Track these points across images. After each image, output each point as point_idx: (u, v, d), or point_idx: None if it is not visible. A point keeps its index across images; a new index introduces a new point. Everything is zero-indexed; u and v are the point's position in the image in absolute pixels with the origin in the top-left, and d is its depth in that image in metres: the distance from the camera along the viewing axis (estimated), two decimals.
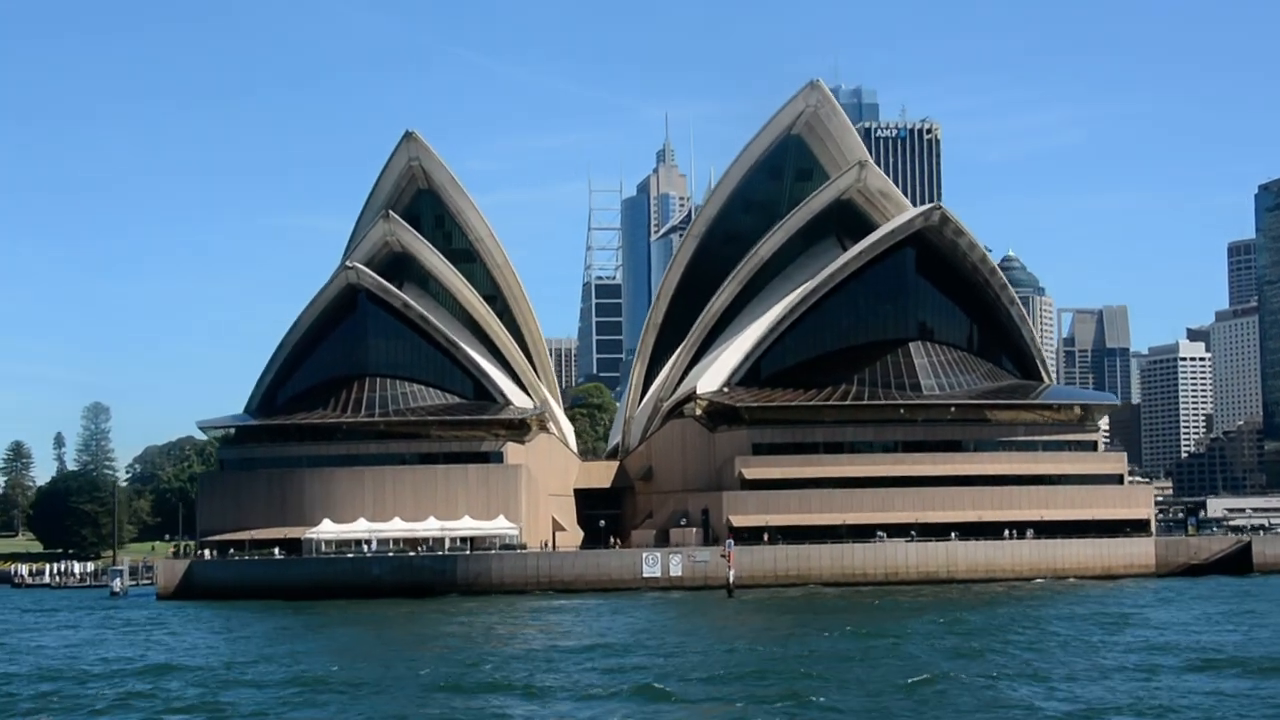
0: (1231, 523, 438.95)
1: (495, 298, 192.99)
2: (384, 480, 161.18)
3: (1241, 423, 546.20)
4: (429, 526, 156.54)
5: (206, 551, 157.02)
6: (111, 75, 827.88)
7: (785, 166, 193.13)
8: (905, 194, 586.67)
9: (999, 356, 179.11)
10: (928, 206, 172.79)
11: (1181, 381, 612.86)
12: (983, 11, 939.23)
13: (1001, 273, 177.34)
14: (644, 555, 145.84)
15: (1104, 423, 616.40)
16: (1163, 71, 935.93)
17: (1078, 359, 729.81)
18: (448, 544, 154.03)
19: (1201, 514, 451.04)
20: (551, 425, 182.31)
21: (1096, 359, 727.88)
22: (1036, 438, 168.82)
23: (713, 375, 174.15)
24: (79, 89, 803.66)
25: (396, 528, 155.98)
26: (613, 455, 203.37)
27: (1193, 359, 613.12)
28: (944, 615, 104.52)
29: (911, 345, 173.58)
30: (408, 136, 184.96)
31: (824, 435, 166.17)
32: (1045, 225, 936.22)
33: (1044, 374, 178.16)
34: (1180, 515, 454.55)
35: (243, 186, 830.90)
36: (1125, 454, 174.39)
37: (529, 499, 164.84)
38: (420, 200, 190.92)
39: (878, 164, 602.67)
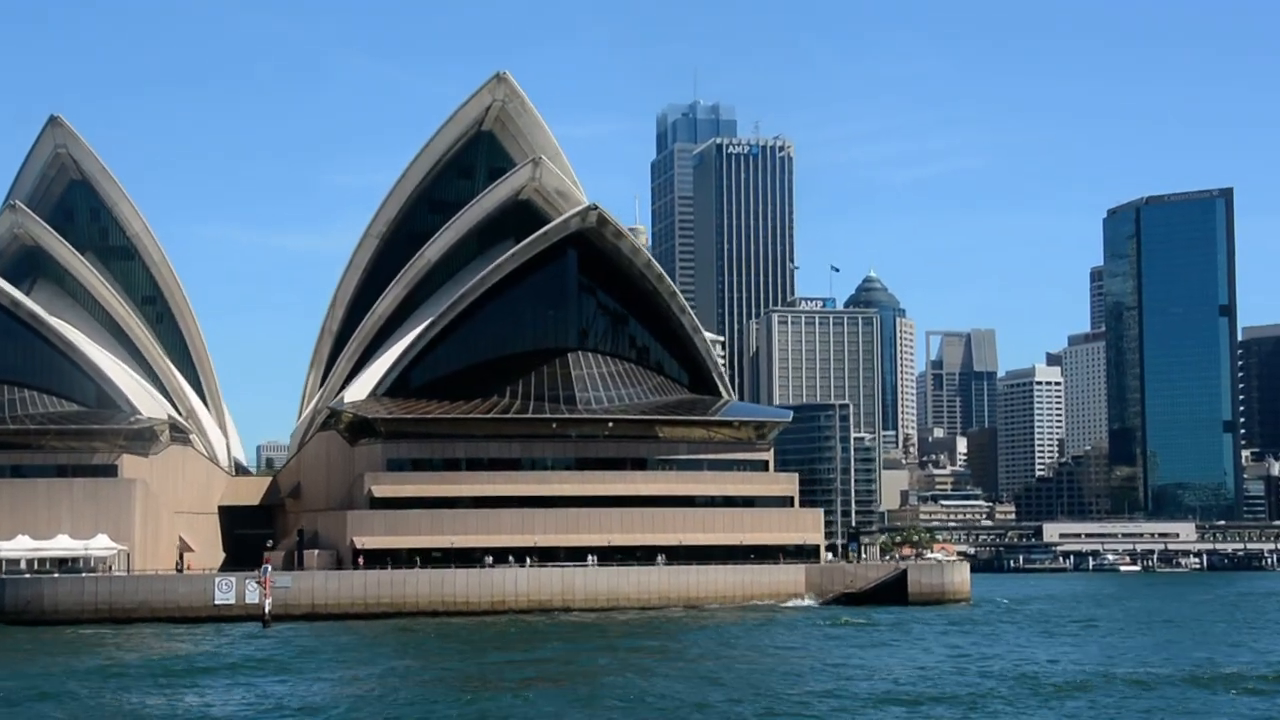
0: (1061, 548, 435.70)
1: (155, 299, 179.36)
2: None
3: (1089, 447, 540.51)
4: (17, 546, 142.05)
5: None
6: None
7: (477, 164, 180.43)
8: (756, 211, 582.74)
9: (676, 370, 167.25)
10: (584, 206, 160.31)
11: (1036, 406, 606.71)
12: (865, 40, 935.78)
13: (669, 280, 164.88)
14: (217, 581, 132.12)
15: (961, 446, 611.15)
16: (1038, 97, 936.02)
17: (945, 382, 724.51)
18: (31, 565, 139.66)
19: (1027, 540, 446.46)
20: (195, 437, 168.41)
21: (964, 382, 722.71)
22: (701, 456, 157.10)
23: (362, 385, 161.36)
24: None
25: None
26: None
27: (1047, 383, 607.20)
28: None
29: (570, 355, 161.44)
30: (52, 121, 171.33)
31: (465, 451, 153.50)
32: (921, 249, 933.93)
33: (722, 389, 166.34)
34: (1014, 541, 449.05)
35: None
36: (796, 475, 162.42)
37: (146, 516, 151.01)
38: (73, 192, 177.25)
39: (729, 180, 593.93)
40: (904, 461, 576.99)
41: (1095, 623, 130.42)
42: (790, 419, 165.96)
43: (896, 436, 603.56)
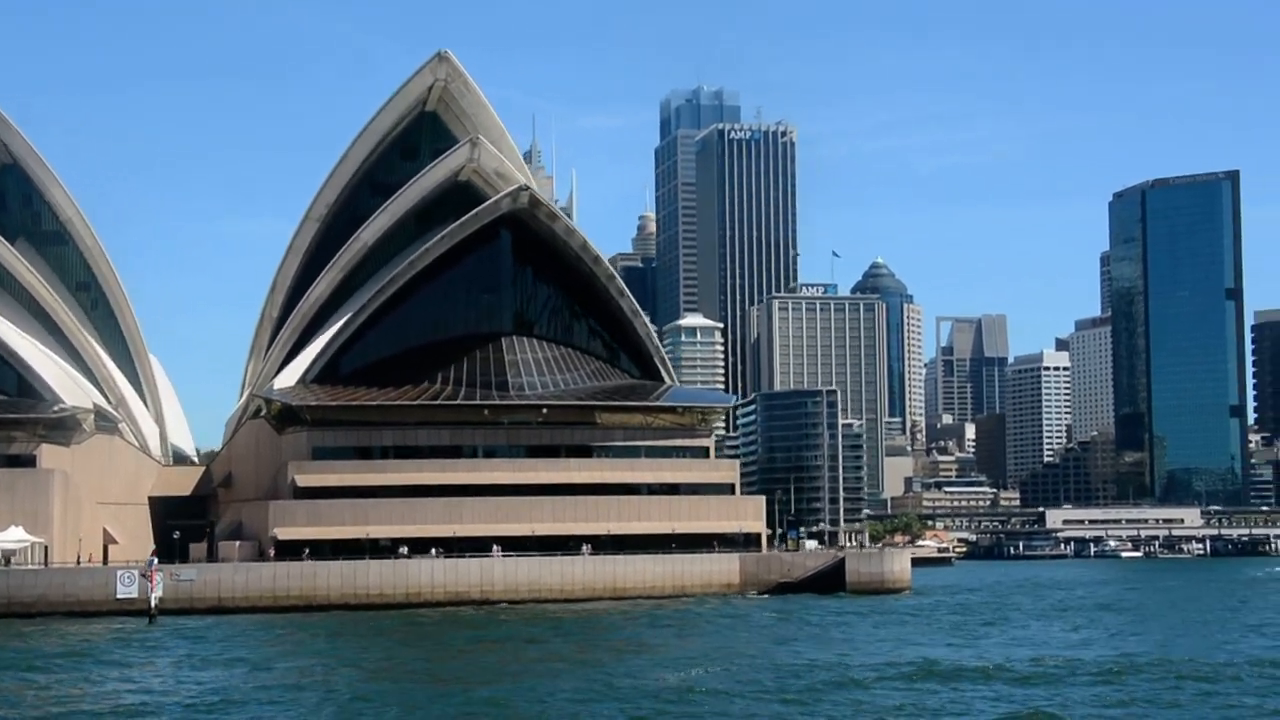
0: (1064, 534, 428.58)
1: (89, 285, 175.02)
2: None
3: (1095, 433, 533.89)
4: None
5: None
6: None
7: (421, 146, 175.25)
8: (759, 197, 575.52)
9: (616, 355, 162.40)
10: (514, 186, 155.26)
11: (1045, 391, 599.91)
12: (868, 31, 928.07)
13: (607, 263, 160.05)
14: (119, 574, 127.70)
15: (970, 433, 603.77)
16: (1043, 85, 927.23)
17: (955, 368, 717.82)
18: None
19: (1028, 526, 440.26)
20: (124, 425, 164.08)
21: (974, 368, 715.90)
22: (639, 443, 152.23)
23: (292, 372, 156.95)
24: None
25: None
26: None
27: (1055, 369, 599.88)
28: None
29: (504, 340, 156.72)
30: None
31: (394, 439, 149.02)
32: (930, 237, 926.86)
33: (664, 374, 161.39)
34: (1016, 528, 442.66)
35: None
36: (737, 462, 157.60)
37: (65, 508, 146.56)
38: (5, 176, 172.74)
39: (732, 166, 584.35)
40: (909, 448, 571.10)
41: (969, 611, 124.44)
42: (732, 404, 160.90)
43: (903, 423, 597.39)
